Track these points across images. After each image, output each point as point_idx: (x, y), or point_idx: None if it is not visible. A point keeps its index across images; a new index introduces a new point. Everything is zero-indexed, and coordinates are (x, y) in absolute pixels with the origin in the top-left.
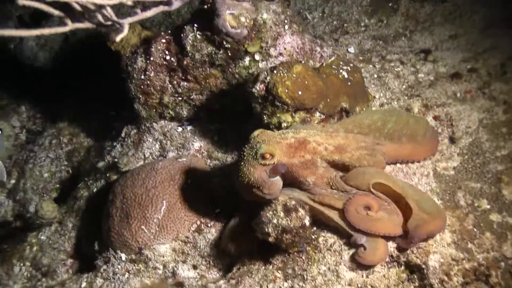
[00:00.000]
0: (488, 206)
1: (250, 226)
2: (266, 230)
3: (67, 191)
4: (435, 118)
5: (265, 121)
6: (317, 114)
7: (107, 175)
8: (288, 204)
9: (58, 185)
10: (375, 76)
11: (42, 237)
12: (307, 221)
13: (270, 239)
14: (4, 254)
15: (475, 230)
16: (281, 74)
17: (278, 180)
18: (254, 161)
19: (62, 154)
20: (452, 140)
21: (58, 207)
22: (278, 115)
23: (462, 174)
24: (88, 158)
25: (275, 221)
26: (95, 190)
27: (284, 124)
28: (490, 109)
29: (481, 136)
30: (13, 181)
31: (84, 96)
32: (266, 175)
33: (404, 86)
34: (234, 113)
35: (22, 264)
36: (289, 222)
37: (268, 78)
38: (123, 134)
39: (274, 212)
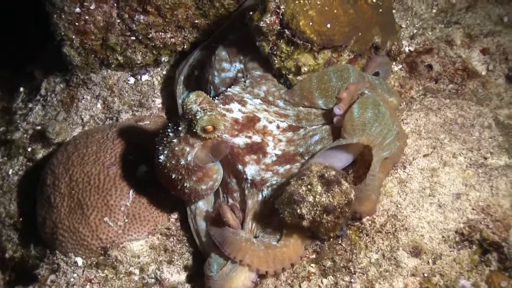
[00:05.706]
0: None
1: None
2: (299, 211)
3: None
4: (484, 51)
5: (276, 65)
6: (346, 53)
7: (29, 149)
8: (326, 174)
9: None
10: None
11: None
12: (353, 196)
13: (304, 223)
14: None
15: None
16: (301, 0)
17: (217, 166)
18: (189, 136)
19: None
20: (510, 79)
21: None
22: (296, 56)
23: None
24: None
25: (310, 198)
26: (11, 172)
27: (304, 69)
28: None
29: None
30: None
31: None
32: (203, 156)
33: (434, 11)
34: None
35: None
36: (331, 199)
37: (282, 6)
38: (42, 91)
39: (309, 186)
